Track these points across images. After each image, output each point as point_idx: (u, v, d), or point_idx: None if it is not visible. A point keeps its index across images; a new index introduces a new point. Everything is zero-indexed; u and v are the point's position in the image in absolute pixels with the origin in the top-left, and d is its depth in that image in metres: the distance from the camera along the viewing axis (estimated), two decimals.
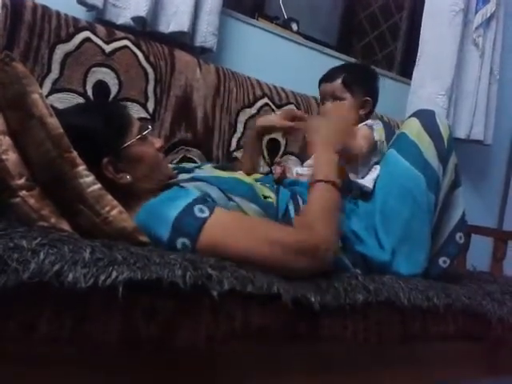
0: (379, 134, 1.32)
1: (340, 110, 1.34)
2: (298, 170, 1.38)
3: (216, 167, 1.27)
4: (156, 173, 1.06)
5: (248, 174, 1.29)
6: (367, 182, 1.25)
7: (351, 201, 1.24)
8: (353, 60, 2.17)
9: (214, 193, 1.03)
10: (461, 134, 2.36)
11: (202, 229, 0.90)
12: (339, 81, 1.36)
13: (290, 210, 1.13)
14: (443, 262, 1.23)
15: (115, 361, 0.76)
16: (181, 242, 0.90)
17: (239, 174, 1.20)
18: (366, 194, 1.25)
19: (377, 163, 1.29)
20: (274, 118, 1.41)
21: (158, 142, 1.10)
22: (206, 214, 0.92)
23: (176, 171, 1.18)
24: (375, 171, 1.26)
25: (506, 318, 1.15)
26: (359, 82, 1.37)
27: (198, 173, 1.16)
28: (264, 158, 1.72)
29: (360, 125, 1.33)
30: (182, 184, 1.05)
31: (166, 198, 0.97)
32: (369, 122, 1.34)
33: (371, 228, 1.17)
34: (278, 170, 1.33)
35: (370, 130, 1.31)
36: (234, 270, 0.82)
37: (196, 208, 0.92)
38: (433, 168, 1.20)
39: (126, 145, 1.01)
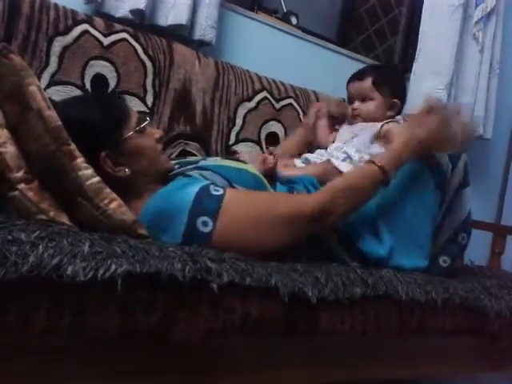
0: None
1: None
2: (307, 156, 1.37)
3: (224, 158, 1.27)
4: (155, 165, 1.06)
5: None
6: None
7: None
8: (353, 53, 2.17)
9: (219, 181, 1.03)
10: None
11: (222, 205, 0.92)
12: (369, 80, 1.38)
13: (288, 194, 1.14)
14: (443, 261, 1.22)
15: (114, 354, 0.77)
16: (201, 220, 0.91)
17: (245, 165, 1.19)
18: None
19: None
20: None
21: (157, 133, 1.09)
22: (221, 191, 0.95)
23: (178, 165, 1.17)
24: None
25: (504, 313, 1.15)
26: (388, 83, 1.39)
27: (201, 163, 1.15)
28: (263, 151, 1.71)
29: (390, 123, 1.34)
30: (187, 173, 1.05)
31: (177, 186, 0.98)
32: (397, 117, 1.37)
33: (371, 222, 1.16)
34: (270, 159, 1.28)
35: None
36: (233, 263, 0.82)
37: (211, 187, 0.96)
38: (442, 166, 1.19)
39: (124, 137, 1.01)
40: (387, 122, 1.35)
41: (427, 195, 1.17)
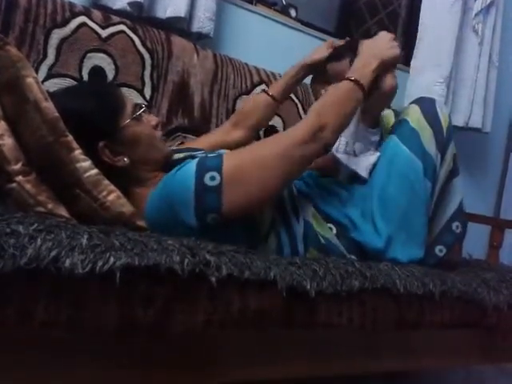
0: (388, 119, 1.32)
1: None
2: None
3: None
4: (153, 153, 1.06)
5: (274, 99, 1.37)
6: (362, 169, 1.23)
7: (345, 188, 1.24)
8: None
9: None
10: (459, 121, 2.36)
11: (223, 159, 0.95)
12: (347, 60, 1.29)
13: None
14: (439, 250, 1.23)
15: (113, 347, 0.77)
16: (209, 176, 0.93)
17: None
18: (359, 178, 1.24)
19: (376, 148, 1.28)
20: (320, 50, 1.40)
21: (153, 120, 1.09)
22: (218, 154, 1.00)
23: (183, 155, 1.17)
24: (372, 157, 1.25)
25: (502, 306, 1.15)
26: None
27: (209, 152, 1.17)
28: None
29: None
30: (196, 156, 1.07)
31: (182, 165, 0.99)
32: None
33: (368, 214, 1.16)
34: None
35: None
36: (232, 256, 0.82)
37: (209, 154, 1.01)
38: (431, 156, 1.19)
39: (121, 126, 1.01)
40: None
41: (419, 185, 1.18)
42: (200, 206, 0.91)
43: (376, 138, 1.29)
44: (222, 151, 1.12)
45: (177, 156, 1.13)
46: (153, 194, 0.97)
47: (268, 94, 1.42)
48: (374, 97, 1.19)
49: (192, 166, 0.95)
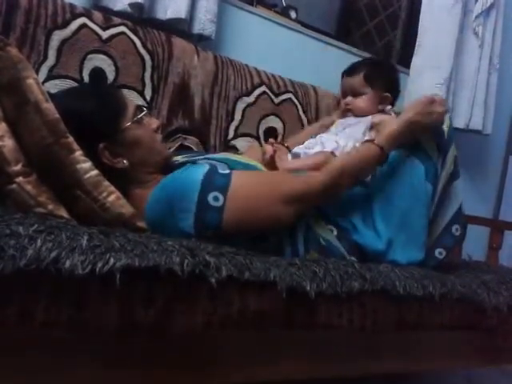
0: None
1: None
2: (293, 150, 1.37)
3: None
4: (153, 155, 1.06)
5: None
6: None
7: (349, 192, 1.23)
8: (352, 48, 2.16)
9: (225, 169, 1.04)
10: (460, 123, 2.36)
11: (231, 181, 0.96)
12: (361, 75, 1.38)
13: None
14: (439, 253, 1.23)
15: (113, 347, 0.77)
16: (212, 196, 0.93)
17: (252, 161, 1.19)
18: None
19: None
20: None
21: (154, 123, 1.09)
22: (229, 171, 0.99)
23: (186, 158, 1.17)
24: None
25: (502, 307, 1.15)
26: (380, 78, 1.40)
27: (210, 155, 1.17)
28: (261, 146, 1.71)
29: (380, 115, 1.35)
30: (197, 162, 1.07)
31: (187, 169, 1.00)
32: (387, 108, 1.38)
33: (368, 216, 1.17)
34: (269, 149, 1.27)
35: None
36: (232, 257, 0.82)
37: (219, 167, 1.00)
38: (432, 158, 1.20)
39: (122, 128, 1.01)
40: (376, 115, 1.36)
41: (420, 187, 1.18)
42: (200, 220, 0.93)
43: None
44: (231, 158, 1.12)
45: (177, 158, 1.14)
46: (152, 195, 0.97)
47: (283, 145, 1.46)
48: None
49: (199, 175, 0.95)
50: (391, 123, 1.19)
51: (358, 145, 1.23)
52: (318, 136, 1.39)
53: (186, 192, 0.94)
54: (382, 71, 1.44)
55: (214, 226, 0.93)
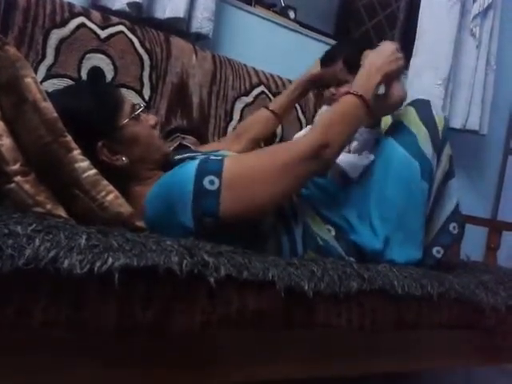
0: (384, 121, 1.32)
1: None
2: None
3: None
4: (152, 152, 1.06)
5: (274, 114, 1.38)
6: (353, 169, 1.23)
7: (343, 189, 1.23)
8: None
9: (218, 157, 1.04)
10: (457, 123, 2.37)
11: (224, 164, 0.95)
12: (340, 63, 1.31)
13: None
14: (437, 251, 1.24)
15: (112, 346, 0.76)
16: (208, 180, 0.93)
17: None
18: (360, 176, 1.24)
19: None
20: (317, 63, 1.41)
21: (151, 119, 1.09)
22: (221, 157, 0.99)
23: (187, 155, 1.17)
24: (366, 160, 1.24)
25: (500, 307, 1.15)
26: (359, 60, 1.26)
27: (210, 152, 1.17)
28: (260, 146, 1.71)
29: None
30: (196, 157, 1.06)
31: (183, 165, 0.99)
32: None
33: (365, 215, 1.17)
34: None
35: None
36: (231, 257, 0.82)
37: (211, 156, 1.01)
38: (427, 157, 1.20)
39: (119, 125, 1.01)
40: None
41: (416, 186, 1.18)
42: (197, 208, 0.92)
43: (373, 137, 1.29)
44: (225, 153, 1.12)
45: (177, 156, 1.14)
46: (151, 192, 0.97)
47: (268, 109, 1.47)
48: (380, 104, 1.17)
49: (192, 166, 0.95)
50: (362, 72, 1.14)
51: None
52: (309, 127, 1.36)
53: (182, 183, 0.94)
54: (361, 52, 1.31)
55: (211, 212, 0.92)
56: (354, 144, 1.29)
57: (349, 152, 1.27)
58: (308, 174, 1.03)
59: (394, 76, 1.17)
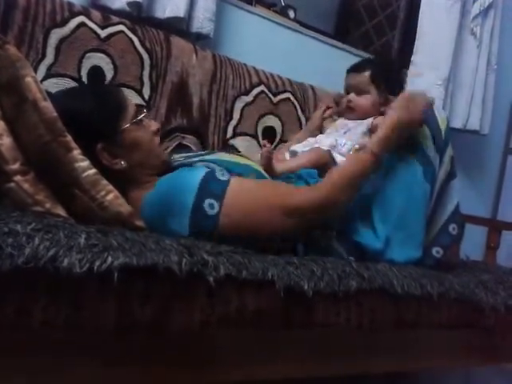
0: None
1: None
2: (292, 148, 1.36)
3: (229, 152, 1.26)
4: (151, 158, 1.06)
5: None
6: None
7: None
8: (351, 48, 2.16)
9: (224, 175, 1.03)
10: (457, 123, 2.36)
11: (228, 188, 0.95)
12: (367, 74, 1.37)
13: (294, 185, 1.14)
14: (436, 252, 1.24)
15: (112, 345, 0.77)
16: (208, 203, 0.93)
17: (250, 161, 1.18)
18: None
19: None
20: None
21: (153, 125, 1.09)
22: (228, 176, 0.98)
23: (183, 158, 1.17)
24: None
25: (499, 307, 1.15)
26: (386, 79, 1.38)
27: (207, 157, 1.15)
28: (260, 145, 1.71)
29: (380, 117, 1.32)
30: (193, 165, 1.06)
31: (184, 171, 0.99)
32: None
33: (366, 215, 1.17)
34: (264, 152, 1.24)
35: None
36: (230, 256, 0.82)
37: (218, 172, 0.99)
38: (430, 159, 1.20)
39: (121, 129, 1.00)
40: (378, 117, 1.34)
41: (418, 187, 1.18)
42: (194, 225, 0.93)
43: None
44: (221, 158, 1.11)
45: (175, 161, 1.13)
46: (148, 196, 0.97)
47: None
48: None
49: (196, 180, 0.95)
50: (383, 123, 1.17)
51: (357, 146, 1.23)
52: (318, 136, 1.38)
53: (181, 196, 0.94)
54: (389, 72, 1.42)
55: (208, 232, 0.93)
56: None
57: None
58: (309, 223, 1.04)
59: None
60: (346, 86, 1.42)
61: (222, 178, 0.97)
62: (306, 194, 1.04)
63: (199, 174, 0.97)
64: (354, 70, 1.41)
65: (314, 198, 1.02)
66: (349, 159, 1.14)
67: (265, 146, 1.24)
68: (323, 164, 1.27)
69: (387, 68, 1.45)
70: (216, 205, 0.93)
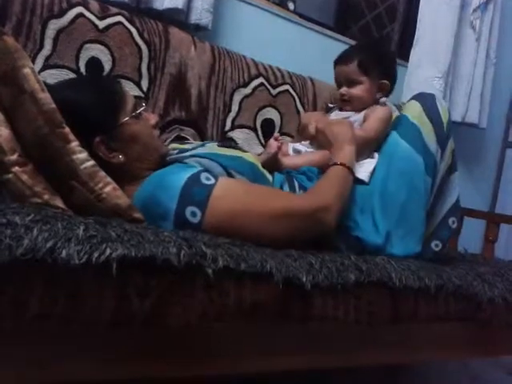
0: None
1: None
2: (294, 146, 1.36)
3: (221, 145, 1.22)
4: (150, 152, 1.05)
5: None
6: (363, 175, 1.23)
7: None
8: (350, 40, 2.15)
9: (216, 169, 1.03)
10: (456, 117, 2.37)
11: (211, 196, 0.91)
12: (355, 64, 1.31)
13: (284, 191, 1.13)
14: (435, 245, 1.24)
15: (109, 337, 0.77)
16: (190, 210, 0.90)
17: (243, 153, 1.17)
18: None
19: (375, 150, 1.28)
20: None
21: (152, 119, 1.08)
22: (213, 181, 0.94)
23: (176, 151, 1.16)
24: (372, 164, 1.24)
25: (497, 300, 1.16)
26: (375, 64, 1.31)
27: (199, 150, 1.14)
28: (258, 138, 1.71)
29: (370, 108, 1.31)
30: (185, 160, 1.05)
31: (170, 171, 0.97)
32: (382, 99, 1.32)
33: (368, 209, 1.16)
34: (274, 144, 1.23)
35: (386, 110, 1.29)
36: (228, 248, 0.82)
37: (202, 176, 0.95)
38: (431, 152, 1.20)
39: (119, 123, 1.00)
40: (370, 107, 1.33)
41: (419, 181, 1.18)
42: (179, 228, 0.90)
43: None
44: (214, 153, 1.10)
45: (171, 156, 1.12)
46: (137, 194, 0.96)
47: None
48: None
49: (177, 187, 0.92)
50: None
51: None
52: None
53: (164, 201, 0.92)
54: (378, 57, 1.34)
55: (194, 232, 0.90)
56: None
57: None
58: (301, 232, 0.99)
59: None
60: (337, 79, 1.37)
61: (206, 183, 0.93)
62: (294, 199, 1.02)
63: (183, 176, 0.93)
64: (341, 61, 1.34)
65: (308, 202, 1.00)
66: (326, 174, 1.12)
67: (277, 139, 1.23)
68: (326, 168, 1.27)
69: (375, 52, 1.37)
70: (198, 213, 0.90)
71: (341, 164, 1.10)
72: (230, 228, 0.92)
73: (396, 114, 1.35)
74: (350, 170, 1.11)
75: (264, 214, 0.94)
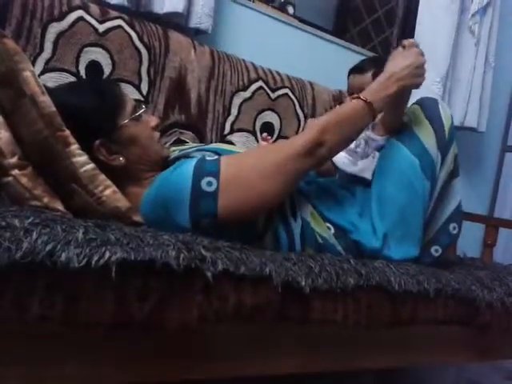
0: None
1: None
2: None
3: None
4: (150, 154, 1.06)
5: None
6: (366, 173, 1.23)
7: (345, 188, 1.24)
8: (349, 44, 2.16)
9: (213, 156, 1.04)
10: (455, 121, 2.35)
11: (221, 165, 0.96)
12: (369, 74, 1.35)
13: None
14: (435, 250, 1.23)
15: (108, 341, 0.77)
16: (206, 181, 0.93)
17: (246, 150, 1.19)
18: (362, 180, 1.25)
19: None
20: None
21: (153, 121, 1.08)
22: (216, 156, 1.00)
23: (177, 151, 1.17)
24: (373, 163, 1.25)
25: (495, 304, 1.16)
26: None
27: (204, 146, 1.16)
28: (257, 141, 1.71)
29: None
30: (190, 155, 1.06)
31: (177, 165, 0.99)
32: None
33: (366, 213, 1.17)
34: (264, 144, 1.24)
35: None
36: (228, 251, 0.82)
37: (207, 155, 1.00)
38: (430, 155, 1.19)
39: (119, 125, 1.00)
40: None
41: (418, 185, 1.18)
42: (195, 210, 0.92)
43: (381, 144, 1.29)
44: (219, 147, 1.12)
45: (173, 154, 1.13)
46: (147, 193, 0.97)
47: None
48: (393, 113, 1.18)
49: (189, 168, 0.95)
50: (379, 79, 1.13)
51: (361, 143, 1.21)
52: None
53: (178, 185, 0.93)
54: None
55: (209, 213, 0.93)
56: (360, 149, 1.30)
57: (355, 159, 1.28)
58: (302, 171, 1.03)
59: (409, 90, 1.17)
60: (350, 87, 1.41)
61: (212, 158, 0.98)
62: (294, 141, 1.04)
63: (192, 161, 0.97)
64: (357, 70, 1.40)
65: (303, 141, 1.01)
66: (343, 105, 1.11)
67: (265, 138, 1.25)
68: (326, 169, 1.27)
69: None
70: (214, 181, 0.93)
71: (365, 100, 1.07)
72: (243, 189, 0.96)
73: None
74: (372, 110, 1.08)
75: (268, 168, 0.98)
